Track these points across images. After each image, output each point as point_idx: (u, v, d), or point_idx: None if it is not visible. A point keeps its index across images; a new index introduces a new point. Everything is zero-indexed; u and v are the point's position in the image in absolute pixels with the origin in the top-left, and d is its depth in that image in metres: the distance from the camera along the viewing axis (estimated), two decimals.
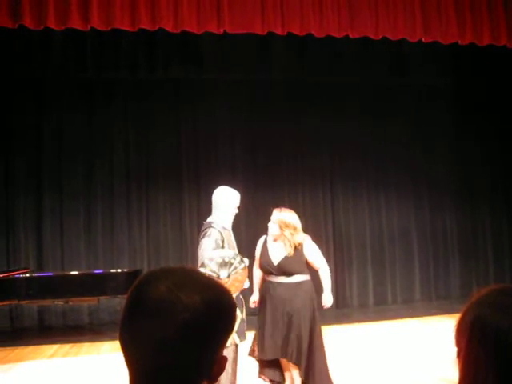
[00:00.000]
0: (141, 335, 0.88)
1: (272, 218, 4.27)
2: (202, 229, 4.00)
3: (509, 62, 8.74)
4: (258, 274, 4.37)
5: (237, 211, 4.13)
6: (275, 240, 4.25)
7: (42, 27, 5.93)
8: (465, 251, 9.94)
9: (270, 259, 4.20)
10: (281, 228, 4.16)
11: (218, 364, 0.92)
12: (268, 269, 4.19)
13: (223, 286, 0.96)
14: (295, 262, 4.14)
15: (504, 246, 10.09)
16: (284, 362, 4.26)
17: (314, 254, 4.27)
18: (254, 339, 4.27)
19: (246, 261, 3.76)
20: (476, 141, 10.03)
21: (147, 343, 0.87)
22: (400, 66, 9.54)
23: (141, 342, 0.88)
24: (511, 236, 10.14)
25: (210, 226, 3.92)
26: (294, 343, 4.05)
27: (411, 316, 8.26)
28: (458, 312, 0.99)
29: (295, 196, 9.25)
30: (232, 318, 0.94)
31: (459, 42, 6.90)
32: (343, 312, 8.99)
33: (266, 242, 4.33)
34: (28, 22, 5.80)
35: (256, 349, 4.24)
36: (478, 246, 10.04)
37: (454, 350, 0.96)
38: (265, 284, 4.26)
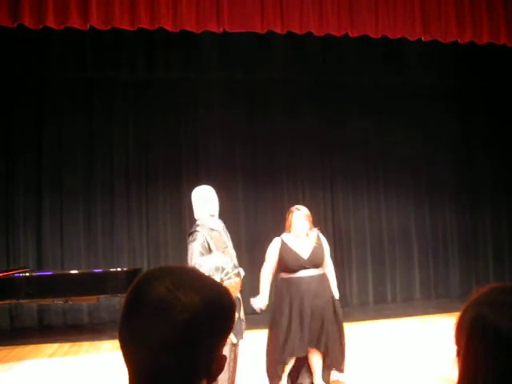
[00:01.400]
0: (140, 335, 0.88)
1: (298, 216, 4.32)
2: (188, 233, 4.05)
3: (509, 61, 8.74)
4: (269, 278, 4.35)
5: (212, 208, 4.10)
6: (298, 236, 4.28)
7: (42, 26, 5.93)
8: (465, 250, 9.94)
9: (298, 255, 4.25)
10: (311, 223, 4.35)
11: (217, 363, 0.92)
12: (299, 264, 4.23)
13: (222, 286, 0.96)
14: (321, 253, 4.34)
15: (504, 245, 10.09)
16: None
17: (327, 248, 4.47)
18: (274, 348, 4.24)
19: (242, 271, 3.77)
20: (476, 140, 10.03)
21: (146, 343, 0.87)
22: (401, 65, 9.54)
23: (140, 342, 0.88)
24: (511, 235, 10.14)
25: (195, 231, 3.95)
26: (325, 334, 4.23)
27: (411, 315, 8.26)
28: (457, 311, 0.99)
29: (295, 195, 9.24)
30: (231, 318, 0.94)
31: (459, 40, 6.90)
32: (343, 311, 8.96)
33: (282, 242, 4.33)
34: (27, 21, 5.80)
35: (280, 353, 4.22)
36: (477, 245, 10.04)
37: (454, 348, 0.96)
38: (288, 281, 4.24)
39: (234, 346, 3.76)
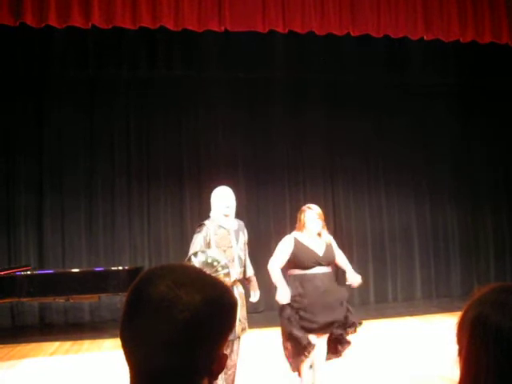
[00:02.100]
0: (141, 334, 0.88)
1: (311, 215, 4.30)
2: (198, 224, 4.17)
3: (510, 61, 8.72)
4: (280, 272, 4.28)
5: (225, 207, 4.13)
6: (310, 236, 4.30)
7: (43, 25, 5.94)
8: (466, 249, 9.94)
9: (314, 253, 4.25)
10: (323, 221, 4.34)
11: (218, 362, 0.92)
12: (315, 261, 4.23)
13: (224, 284, 0.96)
14: (332, 252, 4.36)
15: (505, 244, 10.09)
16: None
17: (336, 247, 4.48)
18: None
19: (234, 273, 3.78)
20: (477, 139, 10.03)
21: (148, 342, 0.87)
22: (402, 64, 9.53)
23: (141, 341, 0.88)
24: None
25: (203, 223, 4.09)
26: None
27: (412, 314, 8.26)
28: (458, 310, 0.99)
29: (296, 193, 9.24)
30: (233, 316, 0.94)
31: (461, 39, 6.89)
32: None
33: (296, 240, 4.30)
34: (29, 20, 5.81)
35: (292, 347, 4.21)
36: (478, 244, 10.04)
37: (455, 348, 0.96)
38: (301, 277, 4.21)
39: (232, 342, 3.77)
